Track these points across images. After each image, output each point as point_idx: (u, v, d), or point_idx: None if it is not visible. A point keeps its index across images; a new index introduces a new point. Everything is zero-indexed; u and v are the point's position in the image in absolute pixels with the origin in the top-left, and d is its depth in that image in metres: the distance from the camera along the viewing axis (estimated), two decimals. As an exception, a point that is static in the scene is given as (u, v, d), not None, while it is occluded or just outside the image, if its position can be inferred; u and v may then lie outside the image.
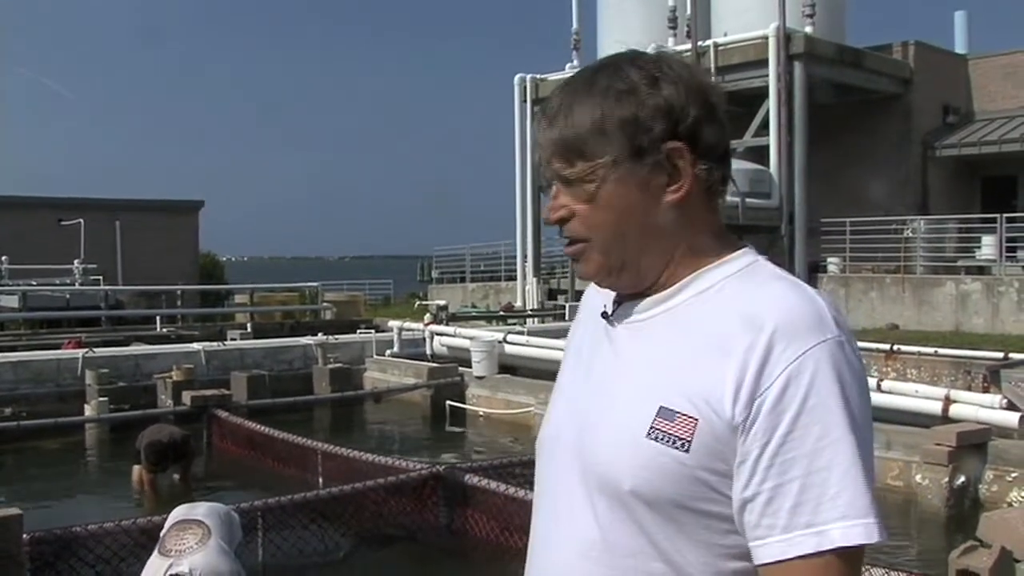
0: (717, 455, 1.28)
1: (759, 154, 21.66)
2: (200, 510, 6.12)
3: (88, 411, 13.39)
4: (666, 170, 1.38)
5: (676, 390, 1.31)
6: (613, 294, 1.50)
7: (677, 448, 1.29)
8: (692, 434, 1.28)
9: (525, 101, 26.22)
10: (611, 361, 1.45)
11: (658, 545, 1.33)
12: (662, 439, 1.30)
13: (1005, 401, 10.05)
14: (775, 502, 1.24)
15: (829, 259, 22.06)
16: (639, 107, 1.37)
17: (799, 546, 1.23)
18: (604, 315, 1.49)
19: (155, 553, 5.75)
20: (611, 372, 1.43)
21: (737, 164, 19.69)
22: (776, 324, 1.28)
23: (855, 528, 1.22)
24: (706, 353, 1.31)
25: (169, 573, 5.45)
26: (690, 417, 1.29)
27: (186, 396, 12.83)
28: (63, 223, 35.49)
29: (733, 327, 1.31)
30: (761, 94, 21.47)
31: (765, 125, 21.68)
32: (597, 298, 1.56)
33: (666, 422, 1.30)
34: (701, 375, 1.30)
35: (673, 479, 1.30)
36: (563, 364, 1.64)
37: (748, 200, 19.91)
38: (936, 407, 9.84)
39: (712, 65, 21.69)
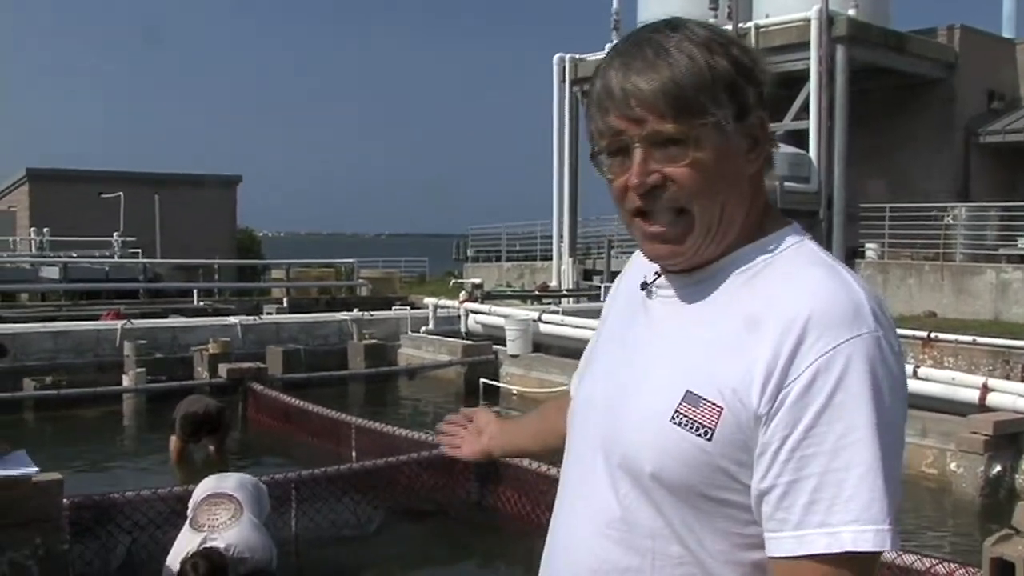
0: (740, 445, 1.25)
1: (798, 138, 21.48)
2: (230, 483, 6.19)
3: (126, 381, 13.53)
4: (750, 138, 1.34)
5: (703, 374, 1.28)
6: (652, 264, 1.43)
7: (700, 435, 1.26)
8: (716, 422, 1.25)
9: (564, 81, 26.13)
10: (645, 335, 1.42)
11: (676, 529, 1.31)
12: (686, 425, 1.27)
13: (1044, 391, 9.93)
14: (790, 497, 1.21)
15: (867, 245, 21.84)
16: (737, 68, 1.31)
17: (810, 545, 1.20)
18: (643, 285, 1.45)
19: (187, 527, 5.82)
20: (644, 346, 1.40)
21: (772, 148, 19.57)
22: (810, 314, 1.22)
23: (866, 534, 1.18)
24: (737, 338, 1.27)
25: (204, 547, 5.52)
26: (715, 405, 1.26)
27: (222, 369, 12.95)
28: (103, 196, 35.82)
29: (767, 313, 1.26)
30: (801, 77, 21.27)
31: (805, 108, 21.49)
32: (639, 265, 1.50)
33: (691, 408, 1.27)
34: (730, 361, 1.26)
35: (694, 466, 1.27)
36: (597, 333, 1.63)
37: (786, 184, 19.76)
38: (973, 395, 9.74)
39: (753, 47, 21.47)
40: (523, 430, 2.07)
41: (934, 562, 5.18)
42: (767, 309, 1.26)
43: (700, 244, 1.33)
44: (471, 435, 2.04)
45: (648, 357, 1.38)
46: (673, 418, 1.28)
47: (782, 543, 1.22)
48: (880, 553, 1.20)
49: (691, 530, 1.30)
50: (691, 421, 1.27)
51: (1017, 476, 8.65)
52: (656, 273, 1.43)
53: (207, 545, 5.55)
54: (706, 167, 1.29)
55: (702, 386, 1.27)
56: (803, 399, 1.20)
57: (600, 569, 1.37)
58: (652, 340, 1.39)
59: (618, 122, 1.31)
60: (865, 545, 1.18)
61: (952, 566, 5.17)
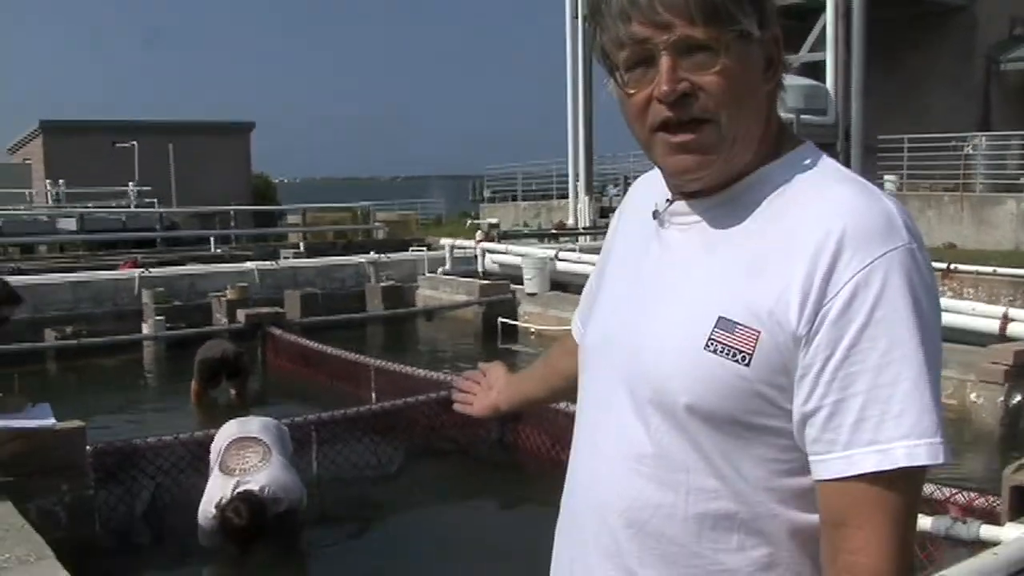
0: (779, 369, 1.22)
1: (813, 71, 21.20)
2: (253, 426, 6.23)
3: (145, 329, 13.62)
4: (767, 55, 1.30)
5: (736, 299, 1.25)
6: (661, 192, 1.39)
7: (737, 361, 1.23)
8: (753, 347, 1.22)
9: (576, 17, 25.82)
10: (663, 265, 1.37)
11: (713, 461, 1.28)
12: (721, 351, 1.24)
13: (1065, 320, 9.87)
14: (836, 417, 1.19)
15: (886, 177, 21.63)
16: None
17: (860, 464, 1.18)
18: (655, 214, 1.40)
19: (216, 472, 5.86)
20: (663, 277, 1.36)
21: (792, 80, 19.31)
22: (844, 229, 1.20)
23: (919, 448, 1.16)
24: (768, 259, 1.24)
25: (240, 491, 5.56)
26: (751, 329, 1.23)
27: (241, 314, 13.00)
28: (117, 146, 35.80)
29: (798, 232, 1.23)
30: (816, 8, 20.93)
31: (820, 40, 21.17)
32: (643, 197, 1.47)
33: (726, 334, 1.24)
34: (763, 283, 1.23)
35: (732, 394, 1.24)
36: (598, 272, 1.59)
37: (803, 117, 19.54)
38: (993, 326, 9.69)
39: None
40: (528, 378, 2.05)
41: (953, 491, 5.17)
42: (799, 227, 1.23)
43: (725, 156, 1.28)
44: (483, 391, 2.03)
45: (669, 286, 1.34)
46: (707, 346, 1.25)
47: (830, 464, 1.20)
48: (927, 468, 1.19)
49: (728, 459, 1.27)
50: (727, 347, 1.24)
51: (1037, 405, 8.62)
52: (668, 200, 1.38)
53: (241, 489, 5.59)
54: (734, 76, 1.24)
55: (736, 311, 1.24)
56: (844, 316, 1.18)
57: (631, 507, 1.33)
58: (672, 268, 1.35)
59: (642, 29, 1.24)
60: (920, 459, 1.16)
61: (972, 495, 5.16)
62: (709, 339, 1.25)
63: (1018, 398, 8.51)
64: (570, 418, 1.55)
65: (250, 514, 5.44)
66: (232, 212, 28.80)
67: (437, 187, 47.21)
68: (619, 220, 1.58)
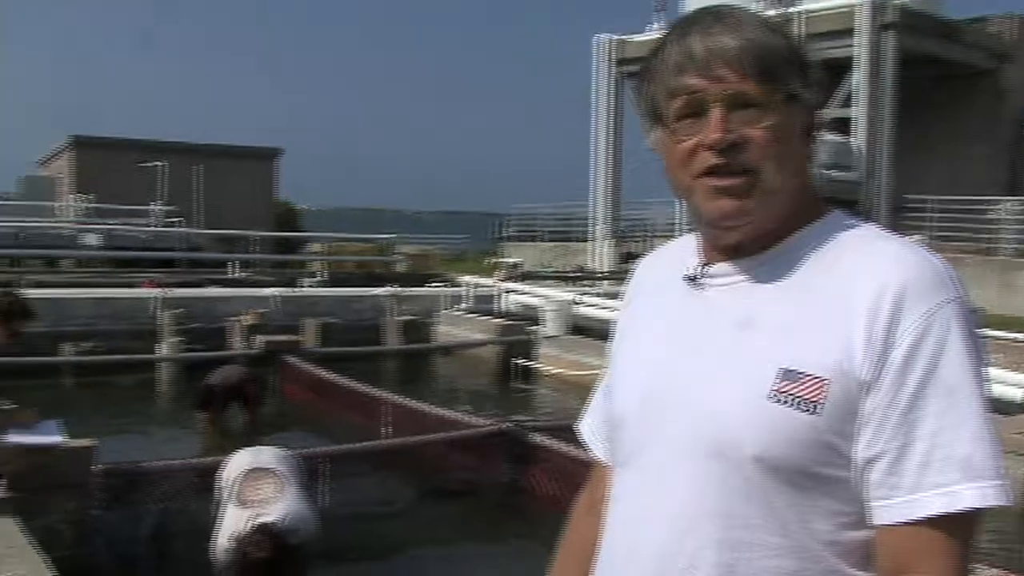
0: (846, 416, 1.24)
1: (840, 126, 21.18)
2: (265, 457, 6.14)
3: (164, 350, 13.61)
4: (808, 120, 1.36)
5: (797, 350, 1.26)
6: (680, 262, 1.43)
7: (806, 411, 1.24)
8: (820, 396, 1.24)
9: (609, 61, 25.94)
10: (707, 324, 1.37)
11: (779, 515, 1.26)
12: (788, 402, 1.24)
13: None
14: (902, 461, 1.21)
15: (913, 237, 21.49)
16: (805, 51, 1.36)
17: (926, 507, 1.19)
18: (691, 278, 1.41)
19: (232, 504, 5.76)
20: (710, 335, 1.35)
21: (819, 135, 19.30)
22: (901, 281, 1.24)
23: (986, 490, 1.18)
24: (827, 311, 1.27)
25: (257, 523, 5.47)
26: (818, 378, 1.24)
27: (257, 340, 12.98)
28: (144, 165, 36.04)
29: (854, 284, 1.26)
30: (845, 65, 20.95)
31: (848, 96, 21.18)
32: (656, 273, 1.52)
33: (791, 384, 1.25)
34: (824, 334, 1.26)
35: (801, 443, 1.24)
36: (625, 337, 1.55)
37: (829, 172, 19.51)
38: (1017, 394, 9.56)
39: (797, 33, 21.15)
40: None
41: (975, 566, 5.04)
42: (854, 280, 1.27)
43: (764, 209, 1.32)
44: None
45: (718, 344, 1.34)
46: (773, 397, 1.25)
47: (894, 509, 1.21)
48: (984, 511, 1.20)
49: (795, 512, 1.26)
50: (794, 397, 1.25)
51: (1061, 478, 8.46)
52: (700, 264, 1.41)
53: (259, 521, 5.50)
54: (779, 133, 1.30)
55: (799, 362, 1.26)
56: (908, 363, 1.21)
57: (688, 568, 1.30)
58: (719, 326, 1.35)
59: (697, 81, 1.30)
60: (988, 501, 1.19)
61: (993, 571, 5.04)
62: (773, 390, 1.25)
63: (1041, 469, 8.34)
64: (582, 464, 1.48)
65: (273, 547, 5.35)
66: (256, 237, 28.92)
67: (460, 223, 47.34)
68: (632, 297, 1.58)
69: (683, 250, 1.47)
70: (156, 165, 35.27)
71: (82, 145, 40.43)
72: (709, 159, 1.30)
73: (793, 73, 1.32)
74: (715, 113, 1.29)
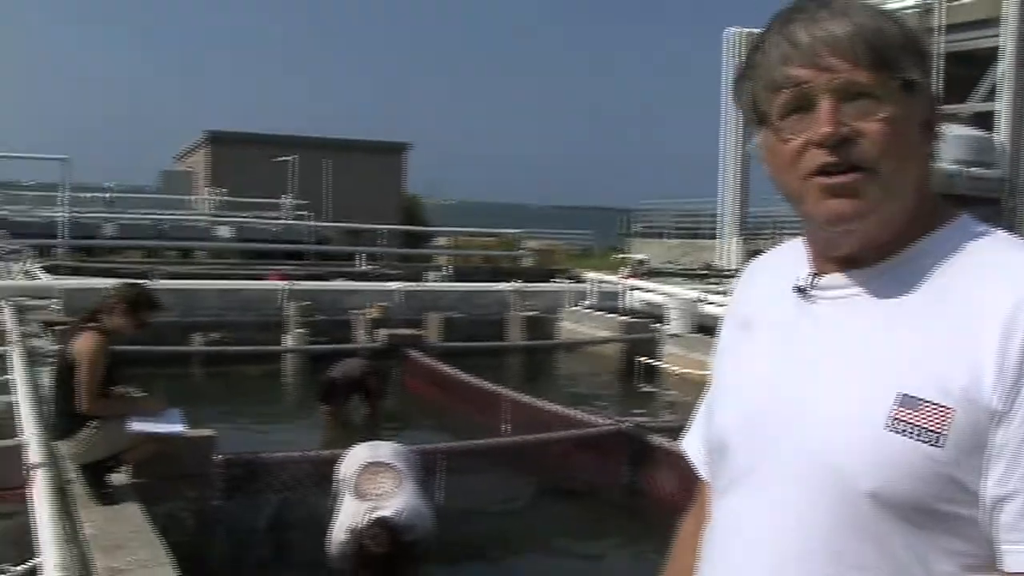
0: (973, 450, 1.09)
1: (978, 121, 20.35)
2: (384, 451, 6.12)
3: (288, 341, 13.83)
4: (926, 113, 1.21)
5: (919, 374, 1.12)
6: (789, 272, 1.29)
7: (927, 442, 1.10)
8: (944, 426, 1.10)
9: (739, 55, 25.48)
10: (819, 341, 1.23)
11: (895, 556, 1.13)
12: (908, 432, 1.11)
13: None
14: None
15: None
16: (922, 38, 1.24)
17: None
18: (800, 290, 1.27)
19: (350, 496, 5.75)
20: (823, 352, 1.22)
21: (958, 130, 18.55)
22: None
23: None
24: (951, 331, 1.12)
25: (375, 516, 5.44)
26: (941, 406, 1.10)
27: (381, 333, 13.08)
28: (275, 159, 36.90)
29: (983, 303, 1.12)
30: (985, 56, 20.09)
31: (992, 89, 20.34)
32: (759, 285, 1.40)
33: (910, 412, 1.11)
34: (950, 357, 1.11)
35: (922, 478, 1.10)
36: (720, 367, 1.42)
37: (968, 169, 18.74)
38: None
39: (937, 23, 20.39)
40: None
41: None
42: (983, 297, 1.13)
43: (881, 211, 1.18)
44: None
45: (832, 362, 1.20)
46: (890, 426, 1.12)
47: None
48: None
49: (914, 553, 1.13)
50: (914, 427, 1.11)
51: None
52: (811, 275, 1.27)
53: (376, 514, 5.47)
54: (897, 126, 1.16)
55: (920, 387, 1.12)
56: None
57: None
58: (832, 343, 1.22)
59: (803, 72, 1.17)
60: None
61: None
62: (892, 418, 1.12)
63: None
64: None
65: (390, 540, 5.32)
66: (383, 231, 29.30)
67: (586, 219, 47.25)
68: (737, 307, 1.44)
69: (793, 257, 1.33)
70: (287, 159, 36.06)
71: (217, 140, 41.70)
72: (819, 156, 1.17)
73: (910, 60, 1.18)
74: (824, 105, 1.16)
